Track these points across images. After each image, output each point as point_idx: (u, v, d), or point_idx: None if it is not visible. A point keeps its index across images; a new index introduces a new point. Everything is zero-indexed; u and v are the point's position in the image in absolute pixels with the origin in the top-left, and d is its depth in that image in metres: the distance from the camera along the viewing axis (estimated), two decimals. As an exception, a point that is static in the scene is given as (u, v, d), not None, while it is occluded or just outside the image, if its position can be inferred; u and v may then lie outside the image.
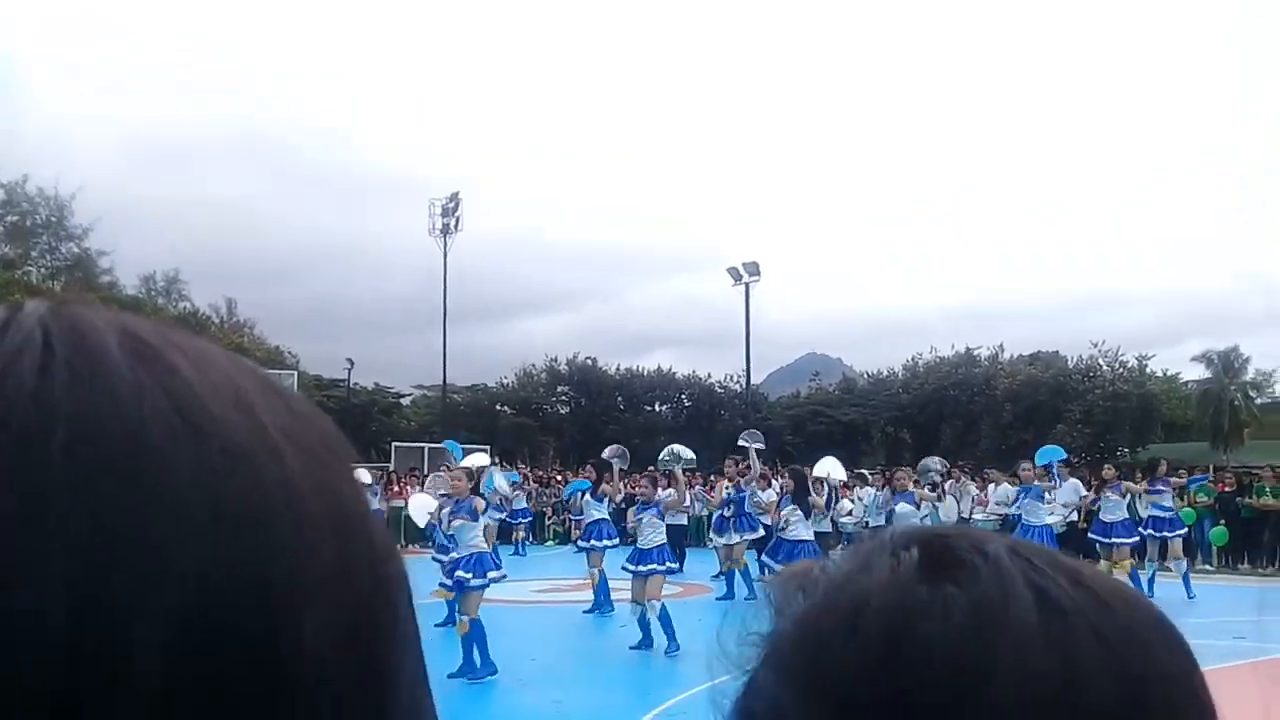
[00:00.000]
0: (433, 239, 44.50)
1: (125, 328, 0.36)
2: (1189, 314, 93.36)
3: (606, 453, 15.41)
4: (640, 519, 11.42)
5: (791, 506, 11.63)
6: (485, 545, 9.70)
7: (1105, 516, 14.44)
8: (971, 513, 19.64)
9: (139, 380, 0.34)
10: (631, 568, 10.88)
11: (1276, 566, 18.14)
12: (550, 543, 25.90)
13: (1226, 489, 18.89)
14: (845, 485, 17.94)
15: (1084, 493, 15.74)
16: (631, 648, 10.46)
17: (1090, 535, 14.75)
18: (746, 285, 37.85)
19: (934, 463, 19.78)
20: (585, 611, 12.97)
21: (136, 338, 0.36)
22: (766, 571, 11.46)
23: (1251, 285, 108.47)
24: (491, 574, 9.55)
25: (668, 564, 11.05)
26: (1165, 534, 14.68)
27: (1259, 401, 49.88)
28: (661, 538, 11.08)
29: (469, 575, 9.34)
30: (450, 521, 10.08)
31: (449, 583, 9.50)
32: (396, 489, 23.99)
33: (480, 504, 10.13)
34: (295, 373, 34.20)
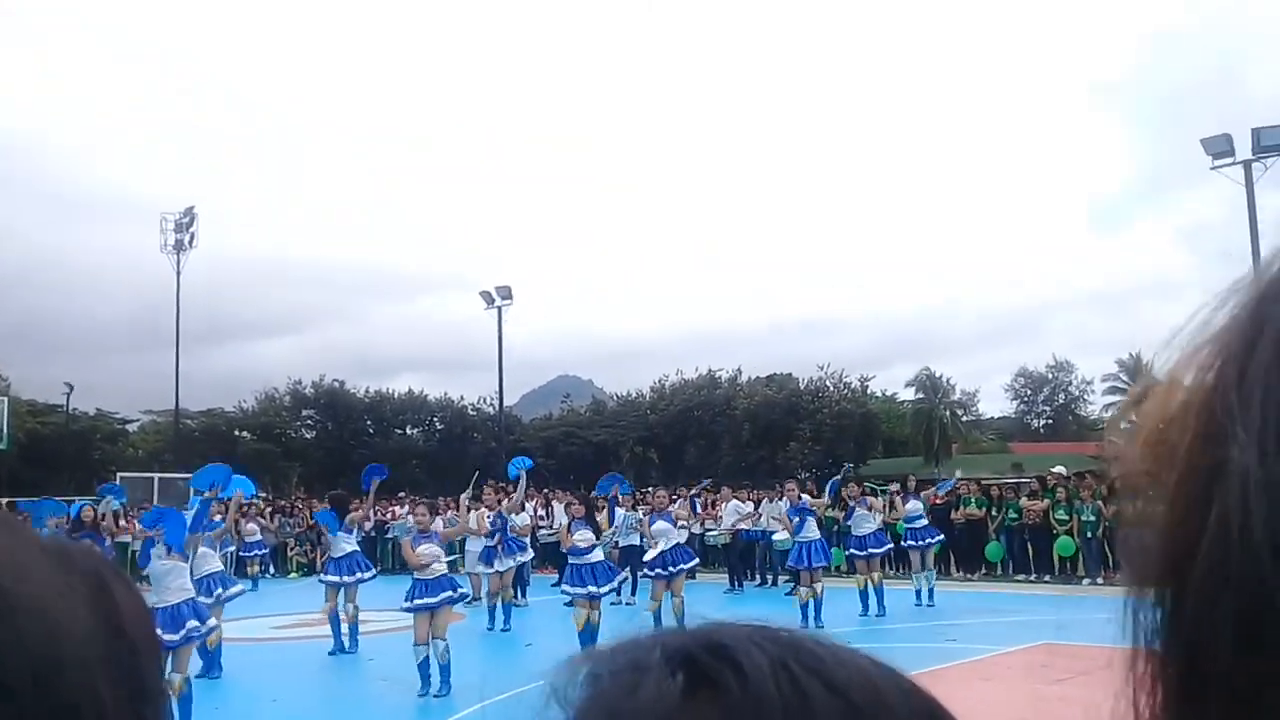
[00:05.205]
0: (165, 256, 42.09)
1: None
2: (900, 337, 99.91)
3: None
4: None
5: (583, 530, 11.89)
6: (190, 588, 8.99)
7: (857, 530, 15.48)
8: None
9: None
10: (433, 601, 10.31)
11: (982, 573, 20.09)
12: (294, 575, 25.09)
13: (938, 502, 20.50)
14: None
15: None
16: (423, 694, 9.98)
17: (848, 550, 15.75)
18: (499, 309, 37.88)
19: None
20: (330, 653, 12.59)
21: None
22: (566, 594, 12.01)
23: (956, 310, 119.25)
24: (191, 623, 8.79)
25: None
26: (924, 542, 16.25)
27: (965, 419, 55.16)
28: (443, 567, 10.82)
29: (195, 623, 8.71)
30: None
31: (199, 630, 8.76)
32: (121, 525, 22.23)
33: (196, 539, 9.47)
34: (5, 398, 31.30)
